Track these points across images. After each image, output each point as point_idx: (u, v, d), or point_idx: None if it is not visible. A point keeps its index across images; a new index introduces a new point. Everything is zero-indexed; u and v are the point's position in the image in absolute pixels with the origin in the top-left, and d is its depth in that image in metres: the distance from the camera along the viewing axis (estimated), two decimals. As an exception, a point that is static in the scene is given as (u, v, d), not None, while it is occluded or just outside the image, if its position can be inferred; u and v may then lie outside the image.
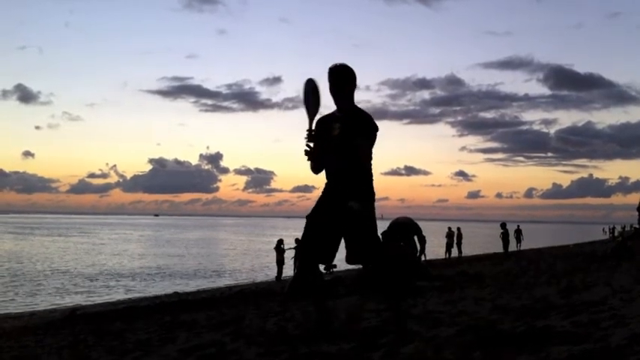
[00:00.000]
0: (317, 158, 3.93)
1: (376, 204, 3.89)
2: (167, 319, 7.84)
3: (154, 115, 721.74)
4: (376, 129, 3.85)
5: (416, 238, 10.18)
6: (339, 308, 6.19)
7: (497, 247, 26.12)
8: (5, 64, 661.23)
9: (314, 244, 3.84)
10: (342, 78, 3.89)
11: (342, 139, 3.81)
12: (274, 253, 21.16)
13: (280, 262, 20.39)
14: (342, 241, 3.87)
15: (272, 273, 21.72)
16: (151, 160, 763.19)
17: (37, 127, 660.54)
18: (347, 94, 3.91)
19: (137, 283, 21.44)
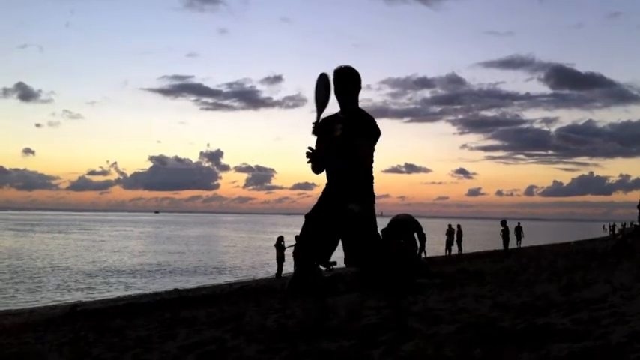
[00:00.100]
0: (318, 159, 3.93)
1: (376, 201, 3.88)
2: (167, 315, 7.84)
3: (154, 114, 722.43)
4: (378, 132, 3.84)
5: (416, 235, 10.18)
6: (339, 305, 6.20)
7: (498, 245, 26.14)
8: (6, 63, 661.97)
9: (312, 244, 3.84)
10: (347, 80, 3.87)
11: (343, 140, 3.81)
12: (274, 250, 21.17)
13: (280, 259, 20.40)
14: (340, 241, 3.87)
15: (272, 270, 21.74)
16: (151, 158, 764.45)
17: (38, 125, 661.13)
18: (351, 96, 3.90)
19: (137, 279, 21.45)
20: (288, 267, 19.48)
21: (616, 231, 41.57)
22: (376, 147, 3.87)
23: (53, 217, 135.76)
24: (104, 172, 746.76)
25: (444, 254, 26.78)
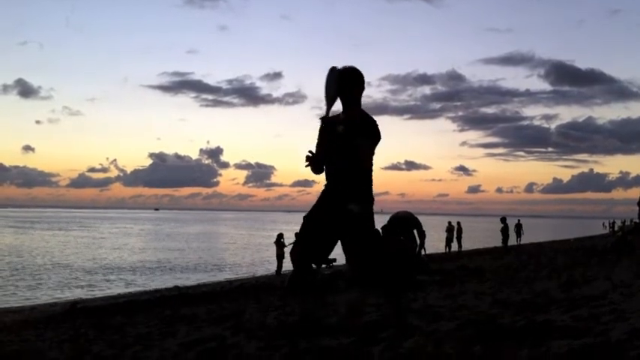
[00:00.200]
0: (318, 161, 3.93)
1: (376, 198, 3.88)
2: (167, 313, 7.85)
3: (154, 110, 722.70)
4: (379, 135, 3.83)
5: (416, 232, 10.17)
6: (340, 302, 6.20)
7: (498, 242, 26.11)
8: (6, 59, 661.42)
9: (310, 244, 3.84)
10: (351, 80, 3.86)
11: (344, 140, 3.80)
12: (274, 248, 21.18)
13: (280, 256, 20.41)
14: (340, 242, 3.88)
15: (272, 267, 21.75)
16: (151, 155, 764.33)
17: (38, 122, 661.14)
18: (354, 97, 3.89)
19: (137, 277, 21.47)
20: (288, 264, 19.48)
21: (616, 228, 41.57)
22: (376, 147, 3.87)
23: (53, 214, 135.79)
24: (104, 169, 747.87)
25: (443, 251, 26.79)
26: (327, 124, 3.93)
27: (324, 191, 3.92)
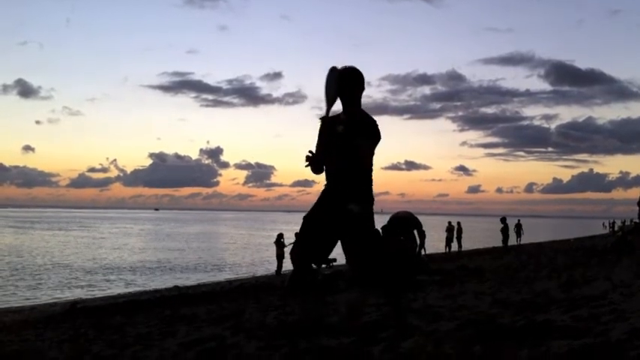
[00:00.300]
0: (318, 162, 3.93)
1: (376, 198, 3.88)
2: (167, 313, 7.84)
3: (154, 110, 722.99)
4: (379, 136, 3.83)
5: (416, 232, 10.17)
6: (340, 302, 6.20)
7: (498, 242, 26.12)
8: (6, 59, 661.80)
9: (310, 245, 3.84)
10: (352, 81, 3.86)
11: (344, 140, 3.80)
12: (274, 247, 21.18)
13: (280, 256, 20.40)
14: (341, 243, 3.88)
15: (272, 267, 21.75)
16: (151, 155, 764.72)
17: (38, 122, 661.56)
18: (355, 98, 3.89)
19: (137, 277, 21.46)
20: (288, 264, 19.48)
21: (616, 228, 41.56)
22: (376, 147, 3.86)
23: (53, 215, 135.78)
24: (104, 169, 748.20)
25: (443, 251, 26.78)
26: (327, 124, 3.93)
27: (323, 191, 3.91)
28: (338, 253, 3.92)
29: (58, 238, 45.95)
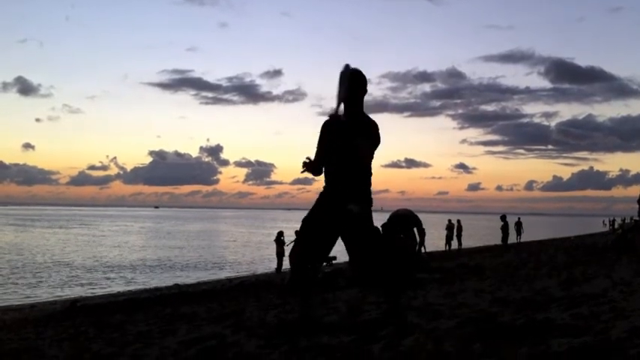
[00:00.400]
0: (318, 163, 3.95)
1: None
2: (167, 311, 7.85)
3: (154, 108, 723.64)
4: (379, 138, 3.84)
5: (416, 230, 10.16)
6: (340, 300, 6.20)
7: (497, 240, 26.11)
8: (6, 57, 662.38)
9: (309, 246, 3.86)
10: (357, 83, 3.86)
11: (344, 141, 3.80)
12: (274, 245, 21.19)
13: (280, 254, 20.42)
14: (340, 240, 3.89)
15: (272, 265, 21.76)
16: (151, 153, 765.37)
17: (38, 120, 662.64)
18: (358, 100, 3.89)
19: (138, 275, 21.47)
20: (289, 262, 19.46)
21: (616, 226, 41.55)
22: (376, 149, 3.88)
23: (53, 212, 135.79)
24: (104, 167, 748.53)
25: (443, 249, 26.80)
26: (328, 124, 3.94)
27: (322, 193, 3.93)
28: (338, 251, 3.93)
29: (58, 236, 45.96)
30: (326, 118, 3.97)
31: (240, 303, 8.12)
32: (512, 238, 26.55)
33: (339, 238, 3.92)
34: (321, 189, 3.98)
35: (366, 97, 3.97)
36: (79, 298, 14.39)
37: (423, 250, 10.68)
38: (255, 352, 3.66)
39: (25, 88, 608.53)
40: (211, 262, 26.89)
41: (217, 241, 43.98)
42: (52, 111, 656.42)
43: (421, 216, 10.76)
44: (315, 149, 4.01)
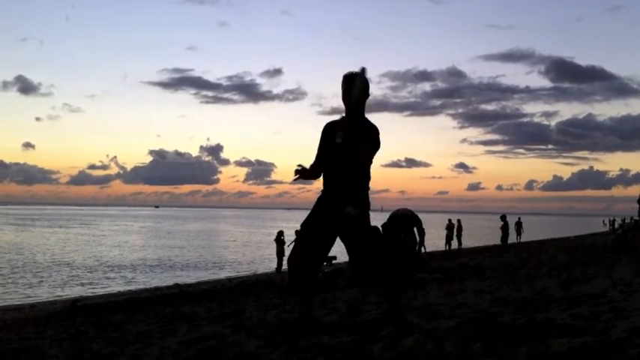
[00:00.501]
0: (308, 174, 3.98)
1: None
2: (168, 311, 7.85)
3: (154, 107, 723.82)
4: (379, 143, 3.84)
5: (416, 230, 10.16)
6: (340, 300, 6.20)
7: (498, 240, 26.13)
8: (6, 56, 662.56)
9: (307, 250, 3.87)
10: (352, 86, 3.86)
11: (344, 144, 3.81)
12: (274, 245, 21.18)
13: (280, 253, 20.41)
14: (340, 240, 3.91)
15: (272, 265, 21.75)
16: (151, 152, 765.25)
17: (38, 119, 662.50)
18: (361, 104, 3.89)
19: (138, 274, 21.46)
20: (287, 264, 19.44)
21: (616, 226, 41.55)
22: (375, 154, 3.89)
23: (53, 212, 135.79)
24: (104, 166, 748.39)
25: (443, 249, 26.79)
26: (329, 127, 3.96)
27: (321, 196, 3.94)
28: (338, 251, 3.93)
29: (58, 235, 45.96)
30: (326, 119, 3.99)
31: (240, 303, 8.12)
32: (513, 238, 26.55)
33: (339, 240, 3.93)
34: (321, 189, 3.99)
35: (367, 97, 3.96)
36: (79, 298, 14.39)
37: (423, 250, 10.68)
38: (255, 352, 3.66)
39: (26, 87, 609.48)
40: (211, 261, 26.88)
41: (217, 241, 43.97)
42: (52, 110, 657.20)
43: (421, 216, 10.76)
44: (316, 152, 4.03)
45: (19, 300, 15.12)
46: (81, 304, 12.19)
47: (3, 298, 15.41)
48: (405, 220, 10.09)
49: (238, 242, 42.23)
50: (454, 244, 27.89)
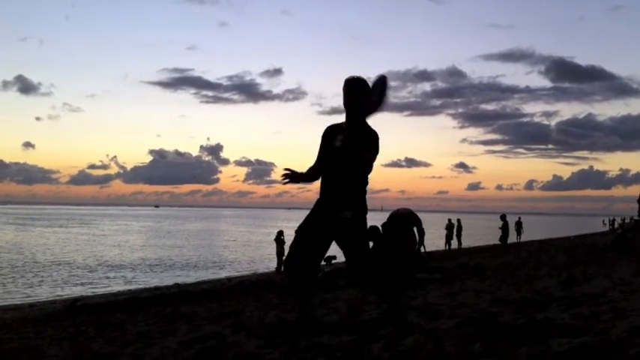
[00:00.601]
0: (298, 179, 3.98)
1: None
2: (168, 310, 7.85)
3: (154, 107, 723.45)
4: (377, 149, 3.85)
5: (415, 229, 10.16)
6: (340, 300, 6.20)
7: (497, 239, 26.15)
8: (6, 56, 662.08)
9: (303, 253, 3.88)
10: (353, 91, 3.86)
11: (344, 149, 3.81)
12: (274, 245, 21.18)
13: (280, 253, 20.40)
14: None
15: (272, 264, 21.76)
16: (151, 152, 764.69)
17: (38, 118, 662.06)
18: (359, 109, 3.89)
19: (138, 274, 21.46)
20: (283, 266, 19.44)
21: (616, 226, 41.60)
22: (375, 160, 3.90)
23: (53, 211, 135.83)
24: (104, 166, 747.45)
25: (443, 249, 26.80)
26: (328, 132, 3.96)
27: (318, 200, 3.94)
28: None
29: (58, 235, 45.97)
30: (326, 119, 3.99)
31: (240, 302, 8.12)
32: (512, 238, 26.55)
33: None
34: (316, 201, 3.99)
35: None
36: (79, 298, 14.39)
37: (422, 249, 10.68)
38: (255, 352, 3.66)
39: (26, 86, 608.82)
40: (211, 261, 26.88)
41: (217, 241, 43.97)
42: (52, 110, 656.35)
43: (421, 215, 10.75)
44: (317, 155, 4.03)
45: (19, 299, 15.12)
46: (81, 304, 12.19)
47: (3, 297, 15.41)
48: (405, 220, 10.08)
49: (238, 242, 42.23)
50: (454, 243, 27.89)
